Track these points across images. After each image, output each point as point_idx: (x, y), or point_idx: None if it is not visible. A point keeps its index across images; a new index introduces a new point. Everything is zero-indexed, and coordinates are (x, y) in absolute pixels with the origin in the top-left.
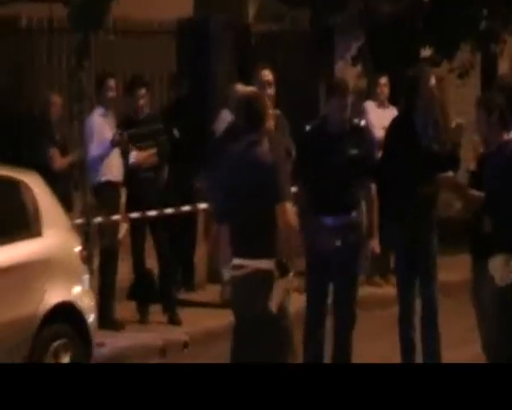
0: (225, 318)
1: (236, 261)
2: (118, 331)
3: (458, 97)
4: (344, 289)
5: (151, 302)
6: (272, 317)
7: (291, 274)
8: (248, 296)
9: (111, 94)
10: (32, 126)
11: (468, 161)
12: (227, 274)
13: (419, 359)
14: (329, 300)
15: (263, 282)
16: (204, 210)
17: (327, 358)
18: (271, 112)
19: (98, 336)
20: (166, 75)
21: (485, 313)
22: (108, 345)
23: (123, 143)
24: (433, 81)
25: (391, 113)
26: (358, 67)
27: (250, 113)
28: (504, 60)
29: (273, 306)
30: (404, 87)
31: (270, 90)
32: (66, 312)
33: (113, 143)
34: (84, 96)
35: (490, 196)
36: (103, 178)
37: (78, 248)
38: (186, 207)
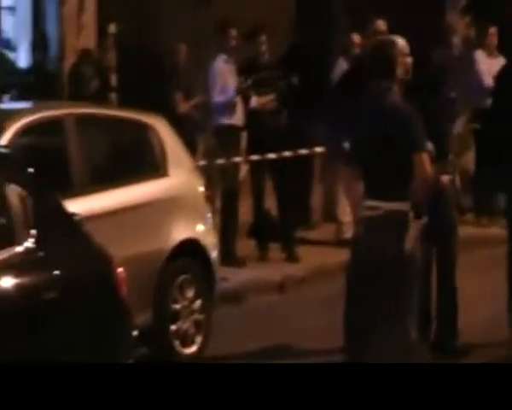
0: (340, 256)
1: (369, 203)
2: (239, 267)
3: None
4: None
5: (270, 240)
6: (404, 258)
7: (424, 218)
8: (380, 237)
9: (233, 42)
10: (159, 73)
11: None
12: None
13: None
14: None
15: (398, 223)
16: (320, 153)
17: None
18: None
19: (221, 271)
20: (285, 22)
21: None
22: (230, 280)
23: (245, 91)
24: None
25: (500, 62)
26: (468, 18)
27: (383, 59)
28: None
29: (408, 247)
30: None
31: None
32: (191, 248)
33: (238, 91)
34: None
35: None
36: (225, 122)
37: (201, 189)
38: (303, 151)
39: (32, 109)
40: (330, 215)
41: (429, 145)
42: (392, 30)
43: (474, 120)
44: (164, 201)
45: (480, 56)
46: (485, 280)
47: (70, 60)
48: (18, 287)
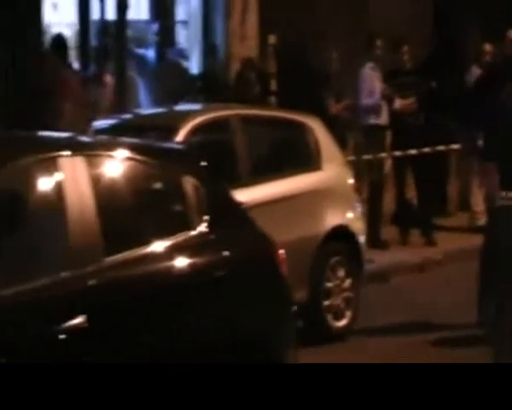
0: (474, 241)
1: (505, 194)
2: (384, 250)
3: None
4: None
5: (411, 227)
6: None
7: None
8: None
9: (379, 52)
10: (313, 78)
11: None
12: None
13: None
14: None
15: None
16: (456, 150)
17: None
18: None
19: (368, 254)
20: (424, 35)
21: None
22: (376, 262)
23: (390, 95)
24: None
25: None
26: None
27: None
28: None
29: None
30: None
31: None
32: (342, 233)
33: (384, 96)
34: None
35: None
36: (372, 122)
37: (350, 181)
38: (441, 147)
39: (203, 111)
40: (465, 205)
41: None
42: None
43: None
44: (318, 191)
45: None
46: None
47: (235, 67)
48: (193, 265)
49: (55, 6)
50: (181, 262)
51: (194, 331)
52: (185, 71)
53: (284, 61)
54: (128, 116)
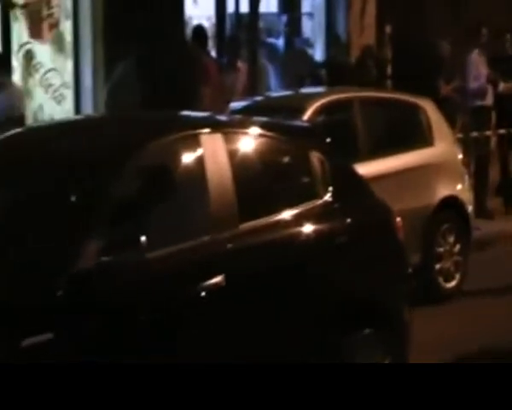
0: None
1: None
2: (489, 219)
3: None
4: None
5: None
6: None
7: None
8: None
9: (485, 39)
10: (425, 63)
11: None
12: None
13: None
14: None
15: None
16: None
17: None
18: None
19: (475, 222)
20: None
21: None
22: (482, 230)
23: (495, 79)
24: None
25: None
26: None
27: None
28: None
29: None
30: None
31: None
32: (451, 203)
33: (489, 80)
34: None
35: None
36: (478, 103)
37: (459, 156)
38: None
39: (327, 93)
40: None
41: None
42: None
43: None
44: (430, 165)
45: None
46: None
47: (355, 54)
48: (318, 232)
49: (195, 1)
50: (308, 229)
51: (319, 292)
52: (310, 58)
53: (399, 49)
54: (260, 98)
